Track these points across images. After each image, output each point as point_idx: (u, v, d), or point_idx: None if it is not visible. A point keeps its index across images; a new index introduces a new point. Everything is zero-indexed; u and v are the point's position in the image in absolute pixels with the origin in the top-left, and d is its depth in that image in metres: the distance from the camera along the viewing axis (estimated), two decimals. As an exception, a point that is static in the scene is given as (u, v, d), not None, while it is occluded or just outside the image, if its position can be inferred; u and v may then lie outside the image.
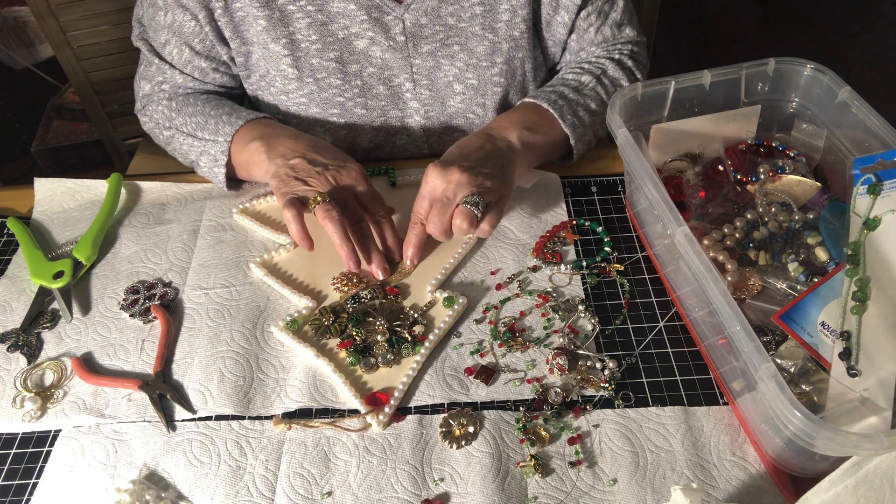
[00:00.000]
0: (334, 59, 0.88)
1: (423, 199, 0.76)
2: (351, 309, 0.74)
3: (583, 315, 0.74)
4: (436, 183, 0.74)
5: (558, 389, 0.67)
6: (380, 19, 0.86)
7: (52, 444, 0.66)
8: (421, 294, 0.77)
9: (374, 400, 0.67)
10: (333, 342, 0.72)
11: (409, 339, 0.71)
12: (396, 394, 0.67)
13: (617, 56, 0.93)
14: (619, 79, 0.92)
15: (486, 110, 0.93)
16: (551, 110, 0.85)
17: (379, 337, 0.71)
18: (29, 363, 0.73)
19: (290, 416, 0.67)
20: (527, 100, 0.87)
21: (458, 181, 0.73)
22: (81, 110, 1.89)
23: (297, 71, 0.88)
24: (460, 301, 0.74)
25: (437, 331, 0.72)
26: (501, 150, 0.79)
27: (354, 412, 0.67)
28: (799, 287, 0.68)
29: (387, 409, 0.66)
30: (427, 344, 0.71)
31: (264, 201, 0.88)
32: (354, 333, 0.72)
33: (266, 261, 0.81)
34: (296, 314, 0.74)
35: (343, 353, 0.71)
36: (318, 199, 0.75)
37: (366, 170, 0.82)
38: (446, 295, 0.75)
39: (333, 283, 0.78)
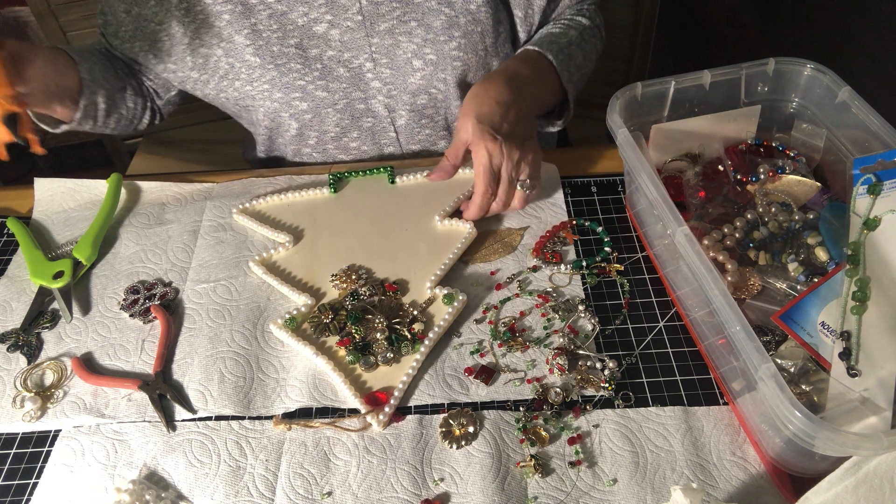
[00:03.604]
0: (294, 46, 0.89)
1: (480, 172, 0.78)
2: (350, 306, 0.74)
3: (583, 315, 0.74)
4: (498, 157, 0.78)
5: (558, 389, 0.67)
6: (336, 1, 0.88)
7: (52, 444, 0.66)
8: (420, 290, 0.77)
9: (374, 399, 0.67)
10: (332, 340, 0.72)
11: (409, 337, 0.71)
12: (396, 393, 0.67)
13: (587, 14, 0.99)
14: (594, 36, 0.99)
15: (448, 85, 0.93)
16: (567, 88, 0.90)
17: (378, 335, 0.71)
18: (29, 363, 0.73)
19: (290, 416, 0.67)
20: (546, 55, 0.90)
21: (518, 159, 0.78)
22: (81, 110, 1.89)
23: (258, 59, 0.89)
24: (460, 298, 0.74)
25: (436, 329, 0.72)
26: (531, 125, 0.85)
27: (354, 412, 0.67)
28: (799, 287, 0.68)
29: (387, 409, 0.66)
30: (427, 342, 0.71)
31: (263, 201, 0.88)
32: (354, 331, 0.72)
33: (265, 259, 0.81)
34: (295, 312, 0.74)
35: (342, 352, 0.71)
36: None
37: (367, 170, 0.84)
38: (446, 292, 0.75)
39: (332, 280, 0.78)
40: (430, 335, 0.71)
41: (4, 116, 0.73)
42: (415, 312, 0.74)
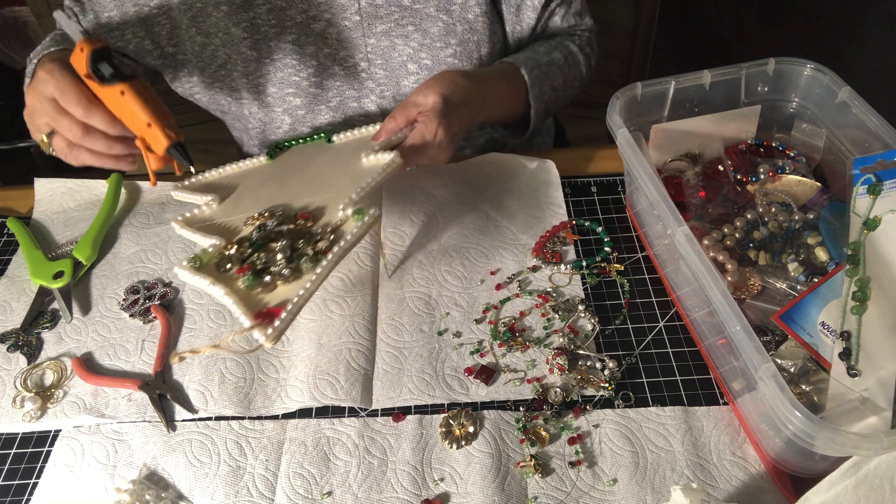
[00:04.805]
0: (291, 42, 0.89)
1: (417, 143, 0.77)
2: (255, 236, 0.70)
3: (583, 315, 0.74)
4: (434, 144, 0.77)
5: (558, 389, 0.67)
6: (335, 1, 0.88)
7: (52, 444, 0.66)
8: (334, 216, 0.71)
9: (267, 315, 0.62)
10: (234, 270, 0.67)
11: (311, 254, 0.66)
12: (290, 307, 0.61)
13: (577, 41, 0.98)
14: (580, 63, 0.97)
15: None
16: (533, 104, 0.89)
17: (278, 255, 0.66)
18: (29, 363, 0.73)
19: (289, 417, 0.67)
20: (520, 70, 0.89)
21: (440, 159, 0.79)
22: (81, 110, 1.88)
23: (255, 52, 0.89)
24: (371, 212, 0.67)
25: (342, 243, 0.65)
26: (470, 125, 0.84)
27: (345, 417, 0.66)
28: (799, 287, 0.68)
29: (276, 323, 0.60)
30: (330, 256, 0.64)
31: (202, 177, 0.85)
32: (255, 258, 0.67)
33: (188, 219, 0.77)
34: (200, 252, 0.69)
35: (241, 280, 0.65)
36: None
37: (306, 138, 0.86)
38: (357, 209, 0.69)
39: (246, 222, 0.73)
40: (335, 249, 0.65)
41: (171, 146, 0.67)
42: (320, 232, 0.68)
